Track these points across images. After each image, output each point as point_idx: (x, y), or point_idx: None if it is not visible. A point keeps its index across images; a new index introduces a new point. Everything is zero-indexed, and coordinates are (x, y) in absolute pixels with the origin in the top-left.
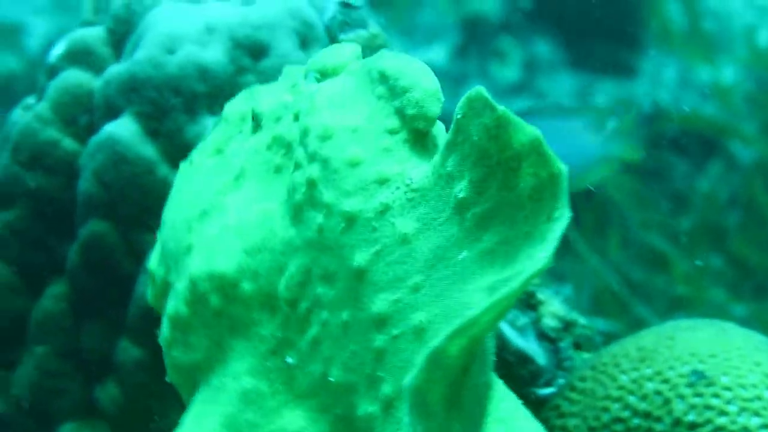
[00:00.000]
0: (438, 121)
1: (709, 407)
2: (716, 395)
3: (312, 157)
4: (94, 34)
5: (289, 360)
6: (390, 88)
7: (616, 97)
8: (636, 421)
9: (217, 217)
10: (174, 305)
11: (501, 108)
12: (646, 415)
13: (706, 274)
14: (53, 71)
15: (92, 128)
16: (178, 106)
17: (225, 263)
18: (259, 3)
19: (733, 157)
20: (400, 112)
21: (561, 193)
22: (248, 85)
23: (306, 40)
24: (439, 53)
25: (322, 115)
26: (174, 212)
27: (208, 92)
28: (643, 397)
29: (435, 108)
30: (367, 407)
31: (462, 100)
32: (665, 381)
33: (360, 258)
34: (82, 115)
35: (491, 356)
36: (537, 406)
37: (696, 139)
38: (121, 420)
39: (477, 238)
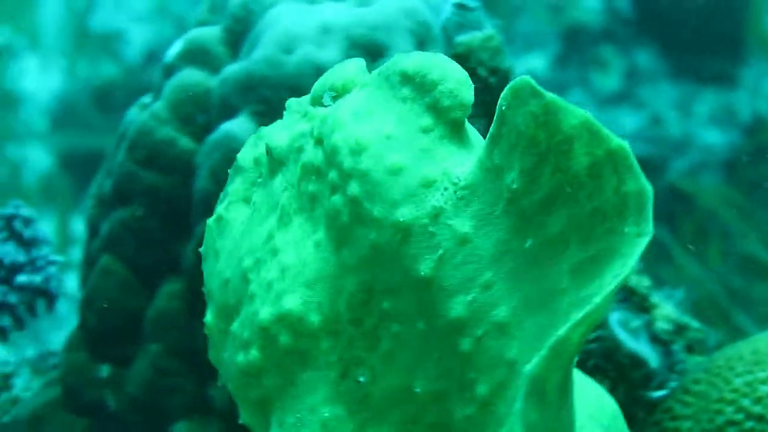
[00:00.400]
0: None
1: None
2: None
3: (349, 175)
4: (211, 34)
5: (361, 379)
6: (417, 86)
7: (717, 107)
8: (749, 424)
9: (271, 261)
10: (244, 353)
11: (549, 95)
12: (760, 419)
13: None
14: (170, 70)
15: (209, 127)
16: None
17: (290, 302)
18: (375, 4)
19: None
20: (433, 107)
21: (627, 167)
22: None
23: (422, 41)
24: (539, 61)
25: (350, 130)
26: (223, 269)
27: None
28: (757, 400)
29: (469, 94)
30: (464, 410)
31: (506, 90)
32: None
33: (425, 267)
34: (199, 114)
35: None
36: (649, 409)
37: None
38: (234, 418)
39: (540, 225)
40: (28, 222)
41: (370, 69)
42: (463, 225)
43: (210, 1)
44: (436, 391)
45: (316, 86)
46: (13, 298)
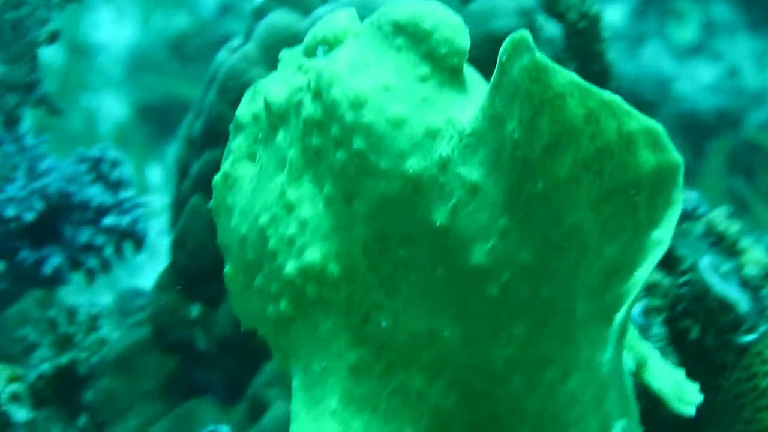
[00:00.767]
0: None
1: None
2: None
3: (352, 129)
4: None
5: (384, 323)
6: (410, 36)
7: None
8: None
9: (288, 217)
10: (274, 305)
11: (539, 54)
12: None
13: None
14: (260, 12)
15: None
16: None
17: (311, 255)
18: None
19: None
20: (429, 56)
21: (624, 112)
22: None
23: None
24: (617, 13)
25: (348, 83)
26: (238, 225)
27: None
28: None
29: (465, 40)
30: (502, 352)
31: (506, 41)
32: None
33: (439, 217)
34: None
35: None
36: (739, 353)
37: None
38: None
39: (547, 170)
40: (114, 164)
41: (461, 11)
42: (471, 173)
43: None
44: (466, 334)
45: (308, 37)
46: (100, 240)
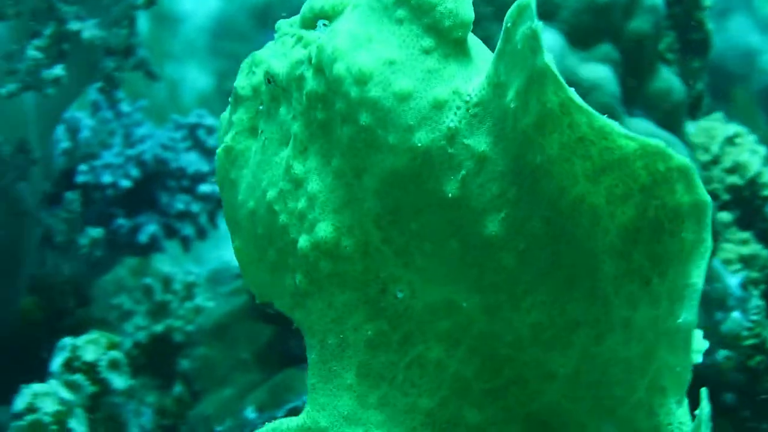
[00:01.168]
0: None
1: None
2: None
3: (358, 104)
4: None
5: (400, 294)
6: (413, 8)
7: None
8: None
9: (297, 191)
10: (290, 278)
11: (538, 22)
12: None
13: None
14: None
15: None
16: (488, 15)
17: (323, 229)
18: None
19: None
20: (433, 28)
21: (578, 108)
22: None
23: None
24: None
25: (351, 58)
26: (245, 199)
27: None
28: None
29: (470, 12)
30: (526, 319)
31: (512, 7)
32: None
33: (450, 188)
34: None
35: None
36: None
37: None
38: None
39: (541, 146)
40: (211, 131)
41: None
42: (479, 143)
43: None
44: (485, 303)
45: (305, 8)
46: (195, 208)
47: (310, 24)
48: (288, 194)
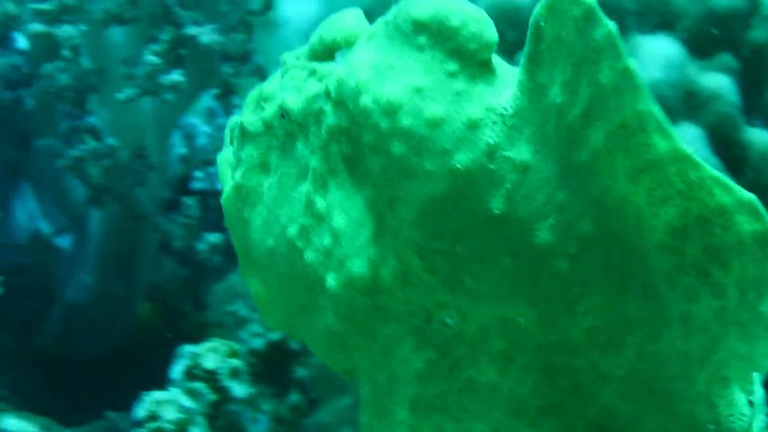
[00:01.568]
0: None
1: None
2: None
3: (389, 135)
4: None
5: (449, 321)
6: (434, 34)
7: None
8: None
9: (320, 227)
10: (322, 320)
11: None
12: None
13: None
14: None
15: (519, 43)
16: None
17: (356, 265)
18: None
19: None
20: (457, 52)
21: (633, 86)
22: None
23: None
24: None
25: (377, 90)
26: (263, 238)
27: (638, 10)
28: None
29: (493, 33)
30: (582, 323)
31: (539, 5)
32: None
33: (495, 204)
34: (509, 30)
35: None
36: None
37: None
38: None
39: (585, 138)
40: None
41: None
42: (521, 153)
43: None
44: (541, 315)
45: (314, 40)
46: None
47: (320, 56)
48: (311, 230)
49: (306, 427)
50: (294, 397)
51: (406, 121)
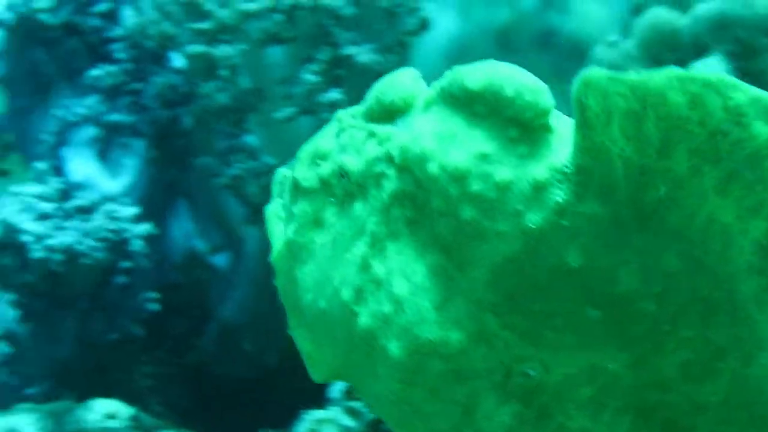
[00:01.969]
0: None
1: None
2: None
3: (459, 200)
4: None
5: (532, 372)
6: (490, 103)
7: None
8: None
9: (378, 292)
10: (387, 389)
11: (629, 77)
12: None
13: None
14: (637, 8)
15: (678, 64)
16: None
17: (424, 331)
18: None
19: None
20: (515, 120)
21: (729, 86)
22: None
23: None
24: None
25: (443, 158)
26: (315, 299)
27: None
28: None
29: (548, 99)
30: (671, 360)
31: (577, 83)
32: None
33: (573, 257)
34: (668, 52)
35: None
36: None
37: None
38: None
39: (666, 169)
40: None
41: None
42: (590, 206)
43: None
44: (632, 358)
45: (372, 101)
46: None
47: (377, 117)
48: (369, 295)
49: None
50: (352, 423)
51: (476, 185)
